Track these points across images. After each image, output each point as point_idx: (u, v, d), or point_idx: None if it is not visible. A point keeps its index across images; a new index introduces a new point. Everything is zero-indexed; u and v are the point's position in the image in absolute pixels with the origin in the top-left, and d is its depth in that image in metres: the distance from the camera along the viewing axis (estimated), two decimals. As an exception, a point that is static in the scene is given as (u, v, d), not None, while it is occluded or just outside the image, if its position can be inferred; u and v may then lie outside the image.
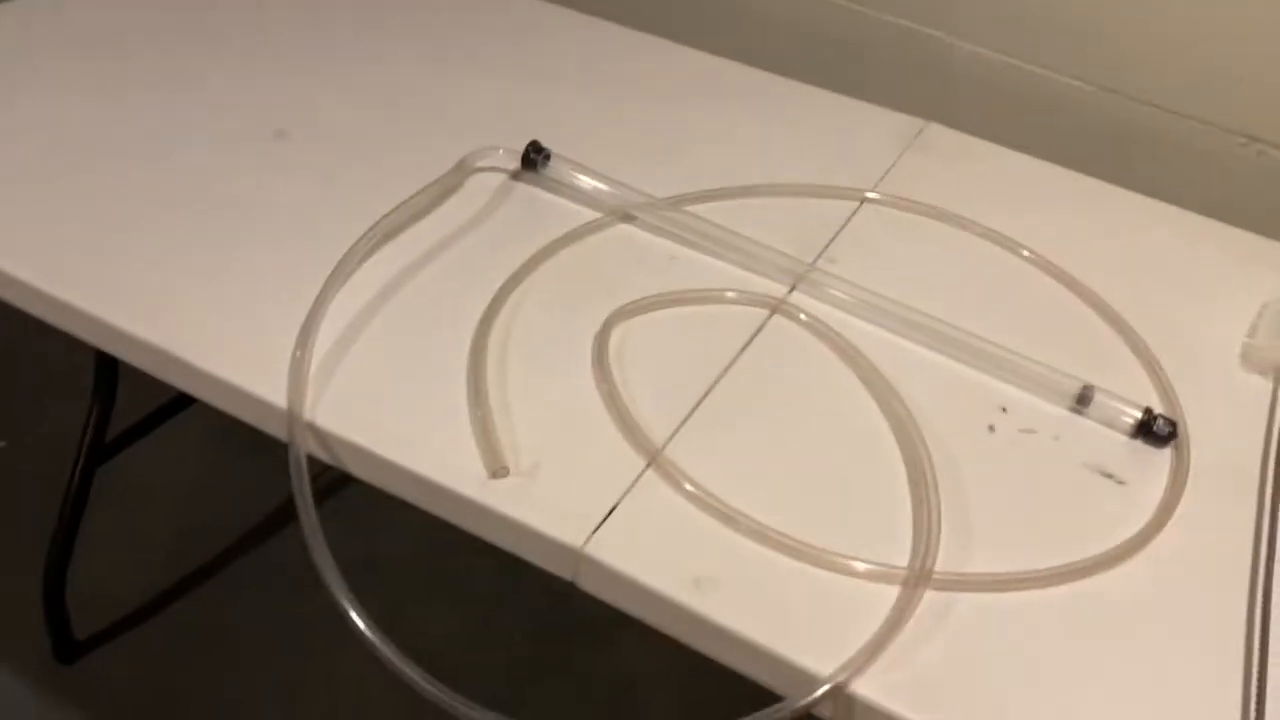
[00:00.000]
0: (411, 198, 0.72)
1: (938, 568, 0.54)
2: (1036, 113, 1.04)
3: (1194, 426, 0.65)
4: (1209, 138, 0.99)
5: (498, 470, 0.55)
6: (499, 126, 0.81)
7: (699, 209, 0.77)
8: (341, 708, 1.08)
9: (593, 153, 0.79)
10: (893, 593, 0.53)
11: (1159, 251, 0.80)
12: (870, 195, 0.80)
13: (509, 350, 0.64)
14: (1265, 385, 0.69)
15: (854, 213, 0.80)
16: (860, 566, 0.54)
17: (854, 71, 1.05)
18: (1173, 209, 0.84)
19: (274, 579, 1.17)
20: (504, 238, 0.73)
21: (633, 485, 0.56)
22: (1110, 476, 0.62)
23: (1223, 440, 0.65)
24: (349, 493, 1.21)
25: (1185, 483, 0.62)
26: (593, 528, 0.54)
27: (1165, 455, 0.64)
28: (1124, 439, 0.64)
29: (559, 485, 0.56)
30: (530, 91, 0.87)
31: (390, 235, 0.71)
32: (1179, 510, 0.60)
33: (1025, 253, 0.76)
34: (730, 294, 0.70)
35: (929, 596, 0.53)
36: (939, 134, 0.90)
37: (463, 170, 0.76)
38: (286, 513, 1.23)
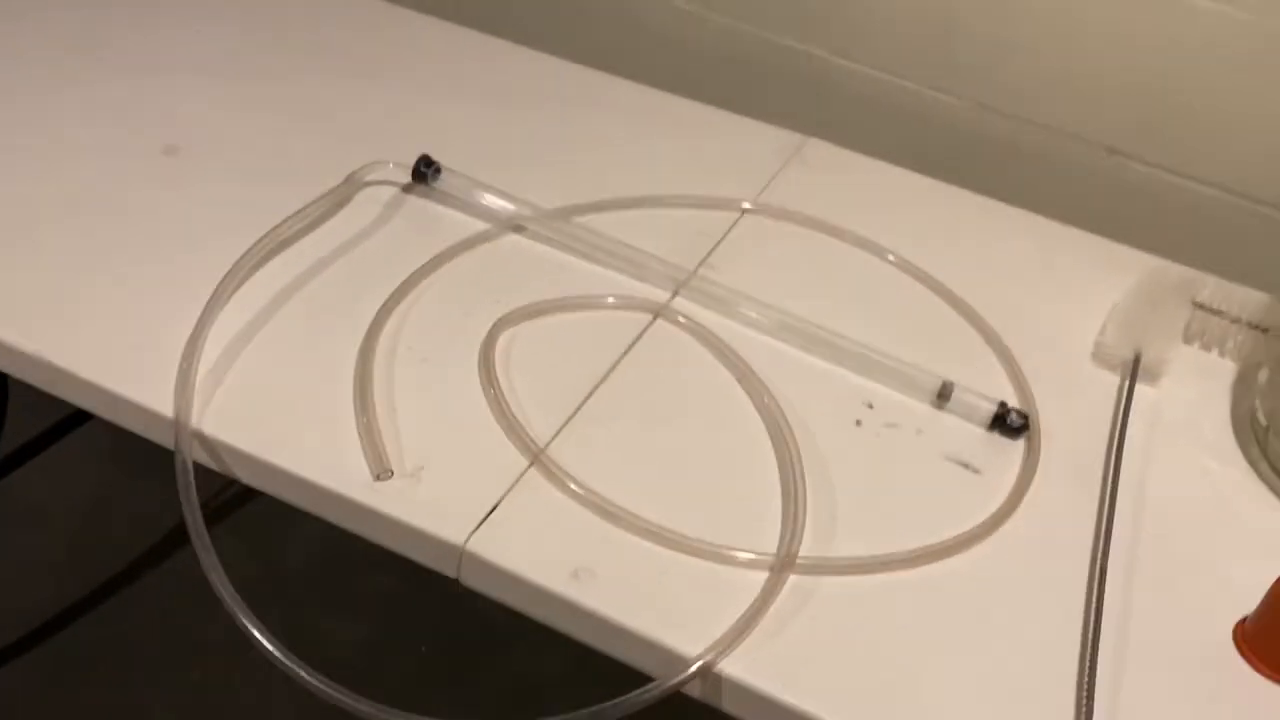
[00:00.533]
0: (301, 210, 0.74)
1: (802, 553, 0.58)
2: (911, 126, 1.10)
3: (1046, 419, 0.70)
4: (1074, 149, 1.05)
5: (381, 473, 0.57)
6: (389, 140, 0.83)
7: (586, 220, 0.79)
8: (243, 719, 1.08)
9: (483, 165, 0.81)
10: (760, 578, 0.56)
11: (1019, 256, 0.85)
12: (749, 206, 0.84)
13: (396, 356, 0.66)
14: (1114, 380, 0.74)
15: (734, 223, 0.83)
16: (730, 554, 0.57)
17: (737, 87, 1.09)
18: (1034, 217, 0.89)
19: (172, 595, 1.17)
20: (394, 249, 0.75)
21: (515, 484, 0.59)
22: (967, 466, 0.66)
23: (1073, 432, 0.70)
24: (249, 510, 1.21)
25: (1035, 471, 0.66)
26: (474, 525, 0.56)
27: (1019, 446, 0.68)
28: (981, 431, 0.69)
29: (442, 486, 0.58)
30: (421, 105, 0.89)
31: (280, 248, 0.72)
32: (1028, 497, 0.65)
33: (891, 258, 0.81)
34: (612, 299, 0.72)
35: (794, 580, 0.57)
36: (818, 148, 0.94)
37: (353, 184, 0.77)
38: (183, 531, 1.22)
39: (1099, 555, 0.61)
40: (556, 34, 1.06)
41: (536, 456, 0.60)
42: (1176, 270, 0.81)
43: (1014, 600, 0.59)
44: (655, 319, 0.72)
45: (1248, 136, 0.96)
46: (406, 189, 0.80)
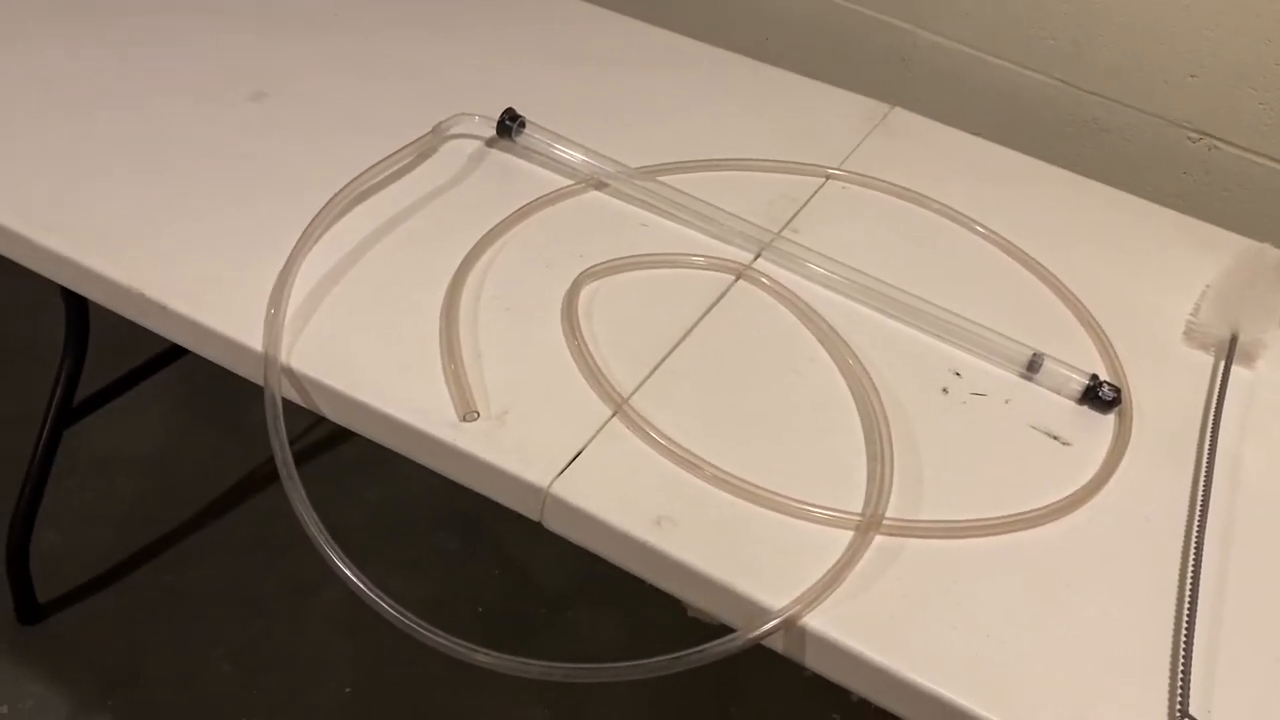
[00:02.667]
0: (387, 158, 0.74)
1: (889, 514, 0.57)
2: (994, 102, 1.07)
3: (1138, 395, 0.68)
4: (1161, 131, 1.03)
5: (468, 414, 0.57)
6: (476, 95, 0.83)
7: (669, 179, 0.79)
8: (302, 670, 1.09)
9: (566, 123, 0.81)
10: (845, 537, 0.55)
11: (1109, 233, 0.83)
12: (834, 172, 0.83)
13: (481, 304, 0.66)
14: (1206, 360, 0.72)
15: (819, 189, 0.82)
16: (815, 511, 0.56)
17: (823, 57, 1.08)
18: (1125, 195, 0.87)
19: (235, 547, 1.18)
20: (478, 200, 0.74)
21: (598, 432, 0.58)
22: (1056, 438, 0.65)
23: (1164, 409, 0.68)
24: (306, 470, 1.22)
25: (1127, 446, 0.64)
26: (559, 470, 0.56)
27: (1109, 421, 0.67)
28: (1071, 404, 0.67)
29: (527, 430, 0.58)
30: (506, 63, 0.89)
31: (366, 195, 0.73)
32: (1119, 471, 0.63)
33: (980, 229, 0.79)
34: (697, 258, 0.72)
35: (879, 541, 0.56)
36: (903, 118, 0.93)
37: (438, 135, 0.77)
38: (247, 484, 1.24)
39: (1194, 532, 0.59)
40: (640, 1, 1.05)
41: (620, 406, 0.59)
42: (1274, 252, 0.79)
43: (1105, 573, 0.57)
44: (738, 279, 0.72)
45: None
46: (490, 143, 0.80)
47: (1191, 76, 1.00)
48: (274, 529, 1.17)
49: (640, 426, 0.59)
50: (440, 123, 0.78)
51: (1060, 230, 0.82)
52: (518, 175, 0.78)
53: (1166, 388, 0.70)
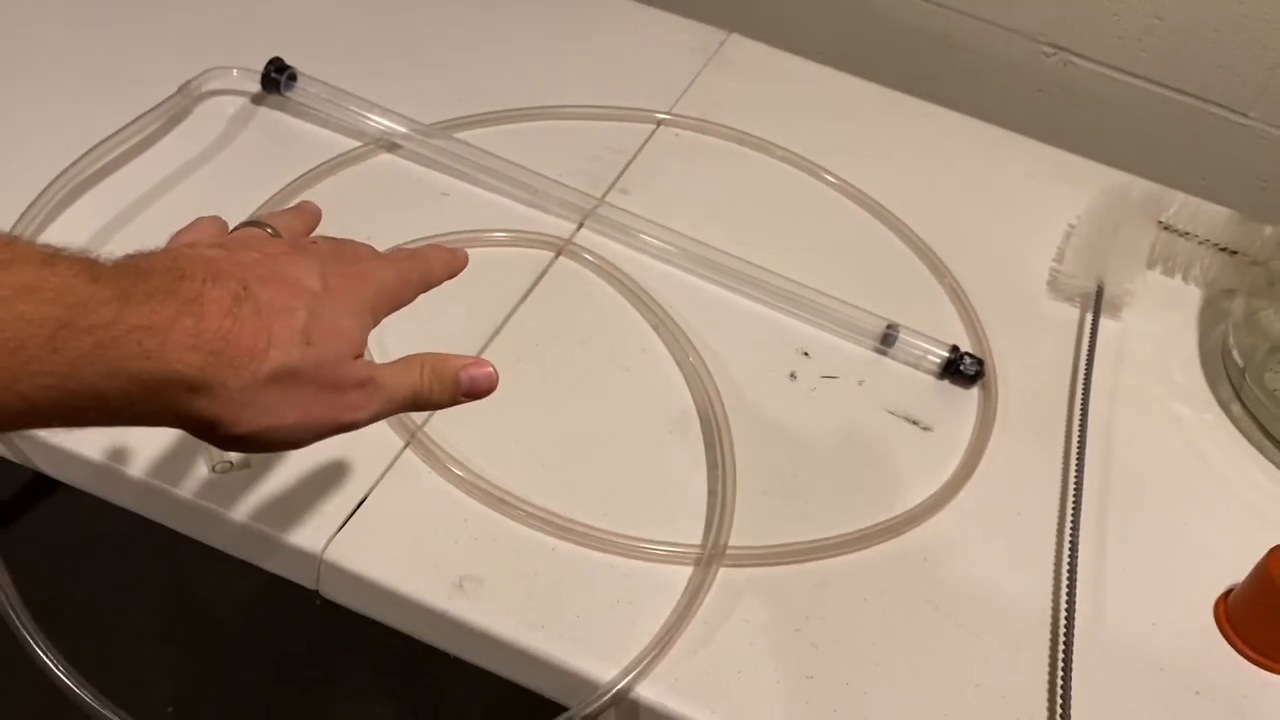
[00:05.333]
0: (125, 127, 0.61)
1: (733, 542, 0.49)
2: (841, 20, 0.99)
3: (1003, 363, 0.62)
4: (1015, 45, 0.96)
5: (218, 463, 0.46)
6: (236, 43, 0.69)
7: (474, 135, 0.68)
8: None
9: (350, 73, 0.68)
10: (683, 575, 0.47)
11: (970, 172, 0.76)
12: (665, 117, 0.73)
13: (242, 312, 0.54)
14: (1073, 314, 0.66)
15: (649, 137, 0.72)
16: (649, 548, 0.48)
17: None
18: (982, 125, 0.80)
19: None
20: (242, 171, 0.62)
21: (388, 470, 0.49)
22: (916, 423, 0.58)
23: (1032, 377, 0.62)
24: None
25: (993, 424, 0.58)
26: (336, 526, 0.46)
27: (974, 396, 0.60)
28: (932, 380, 0.60)
29: (298, 477, 0.48)
30: (271, 4, 0.75)
31: (105, 172, 0.60)
32: (987, 454, 0.57)
33: (830, 178, 0.71)
34: (504, 234, 0.62)
35: (725, 576, 0.48)
36: (741, 46, 0.83)
37: (187, 95, 0.64)
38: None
39: (1068, 527, 0.53)
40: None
41: (414, 434, 0.50)
42: (1140, 187, 0.73)
43: (976, 577, 0.51)
44: (557, 257, 0.62)
45: (1220, 34, 0.87)
46: (257, 99, 0.68)
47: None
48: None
49: (438, 458, 0.49)
50: (189, 81, 0.64)
51: (916, 172, 0.75)
52: (292, 139, 0.66)
53: (1034, 351, 0.63)
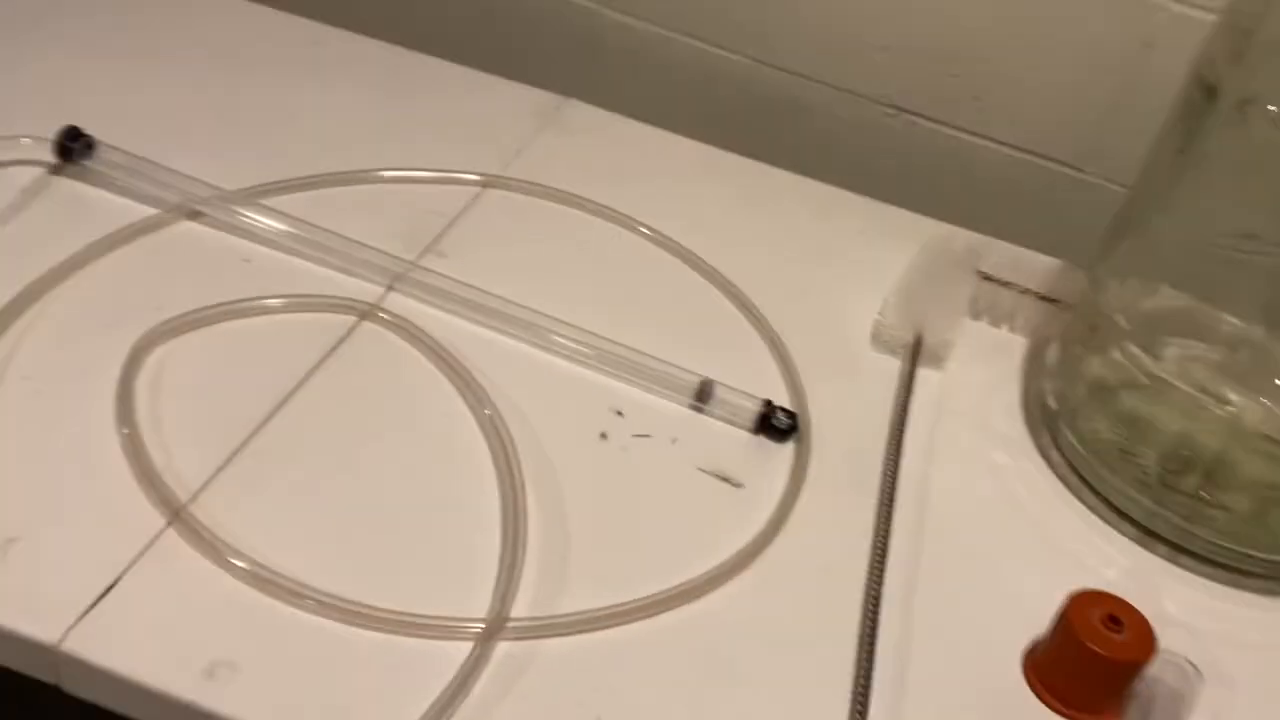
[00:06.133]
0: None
1: (520, 613, 0.47)
2: (690, 86, 1.00)
3: (820, 417, 0.61)
4: (857, 108, 0.97)
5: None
6: (33, 110, 0.67)
7: (285, 201, 0.66)
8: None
9: (157, 139, 0.66)
10: (464, 651, 0.45)
11: (799, 229, 0.76)
12: (485, 178, 0.72)
13: (5, 391, 0.51)
14: (895, 365, 0.66)
15: (474, 199, 0.71)
16: (426, 623, 0.45)
17: (494, 45, 0.97)
18: (811, 183, 0.81)
19: None
20: (27, 241, 0.60)
21: (144, 551, 0.46)
22: (727, 480, 0.57)
23: (850, 430, 0.61)
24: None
25: (804, 479, 0.57)
26: (78, 615, 0.43)
27: (789, 450, 0.59)
28: (747, 436, 0.59)
29: (41, 562, 0.44)
30: (75, 67, 0.73)
31: None
32: (797, 510, 0.56)
33: (646, 231, 0.70)
34: (299, 300, 0.60)
35: (506, 650, 0.46)
36: (579, 111, 0.83)
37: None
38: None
39: (873, 578, 0.52)
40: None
41: (177, 513, 0.47)
42: (962, 237, 0.74)
43: (777, 639, 0.49)
44: (360, 321, 0.60)
45: (1038, 90, 0.90)
46: (56, 170, 0.65)
47: (884, 50, 0.95)
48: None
49: (203, 538, 0.46)
50: (-33, 152, 0.62)
51: (745, 230, 0.75)
52: (90, 210, 0.63)
53: (852, 403, 0.63)
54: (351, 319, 0.60)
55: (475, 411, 0.56)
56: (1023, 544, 0.57)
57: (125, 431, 0.49)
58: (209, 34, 0.80)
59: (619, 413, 0.59)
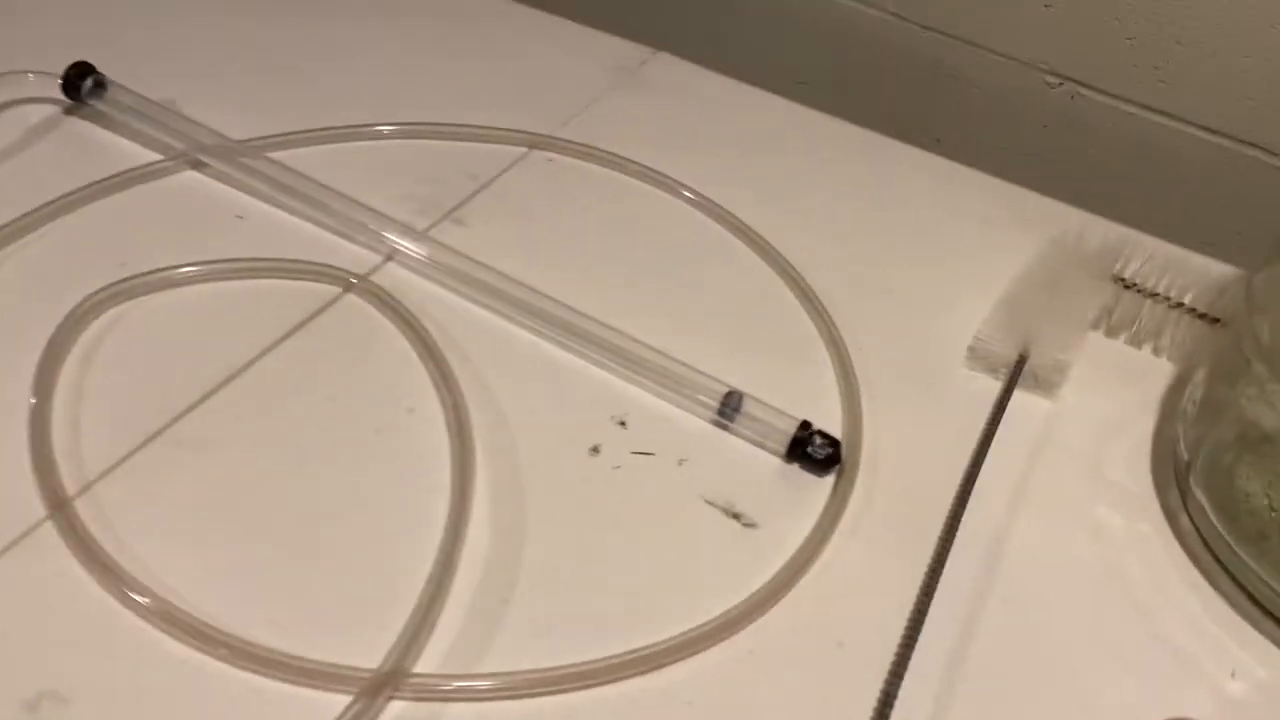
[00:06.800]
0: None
1: (428, 667, 0.38)
2: (809, 41, 0.88)
3: (877, 445, 0.49)
4: (1011, 75, 0.83)
5: None
6: (43, 43, 0.63)
7: (299, 154, 0.59)
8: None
9: (177, 81, 0.61)
10: (341, 705, 0.37)
11: (900, 210, 0.64)
12: (540, 139, 0.63)
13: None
14: (991, 390, 0.53)
15: (514, 163, 0.63)
16: (300, 668, 0.37)
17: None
18: (937, 159, 0.68)
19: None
20: (10, 188, 0.55)
21: (10, 547, 0.40)
22: (737, 517, 0.46)
23: (912, 463, 0.49)
24: None
25: (836, 525, 0.46)
26: (-95, 618, 0.37)
27: (826, 486, 0.48)
28: (778, 464, 0.48)
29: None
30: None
31: None
32: (820, 562, 0.44)
33: (704, 204, 0.60)
34: (255, 264, 0.52)
35: (399, 710, 0.37)
36: (666, 65, 0.73)
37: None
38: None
39: (898, 664, 0.41)
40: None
41: (60, 505, 0.41)
42: (1101, 231, 0.60)
43: (753, 741, 0.39)
44: (344, 293, 0.52)
45: (1235, 59, 0.73)
46: (70, 110, 0.61)
47: (1046, 6, 0.80)
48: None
49: (79, 537, 0.40)
50: (-32, 85, 0.58)
51: (829, 207, 0.63)
52: (89, 153, 0.58)
53: (924, 434, 0.51)
54: (335, 290, 0.52)
55: (445, 410, 0.47)
56: (1123, 634, 0.44)
57: (33, 401, 0.44)
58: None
59: (622, 422, 0.49)
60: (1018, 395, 0.53)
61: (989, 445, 0.49)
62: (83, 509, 0.41)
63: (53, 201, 0.54)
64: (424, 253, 0.54)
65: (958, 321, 0.56)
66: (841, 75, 0.88)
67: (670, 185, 0.62)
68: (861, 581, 0.44)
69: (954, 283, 0.59)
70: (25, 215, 0.53)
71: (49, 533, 0.40)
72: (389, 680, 0.37)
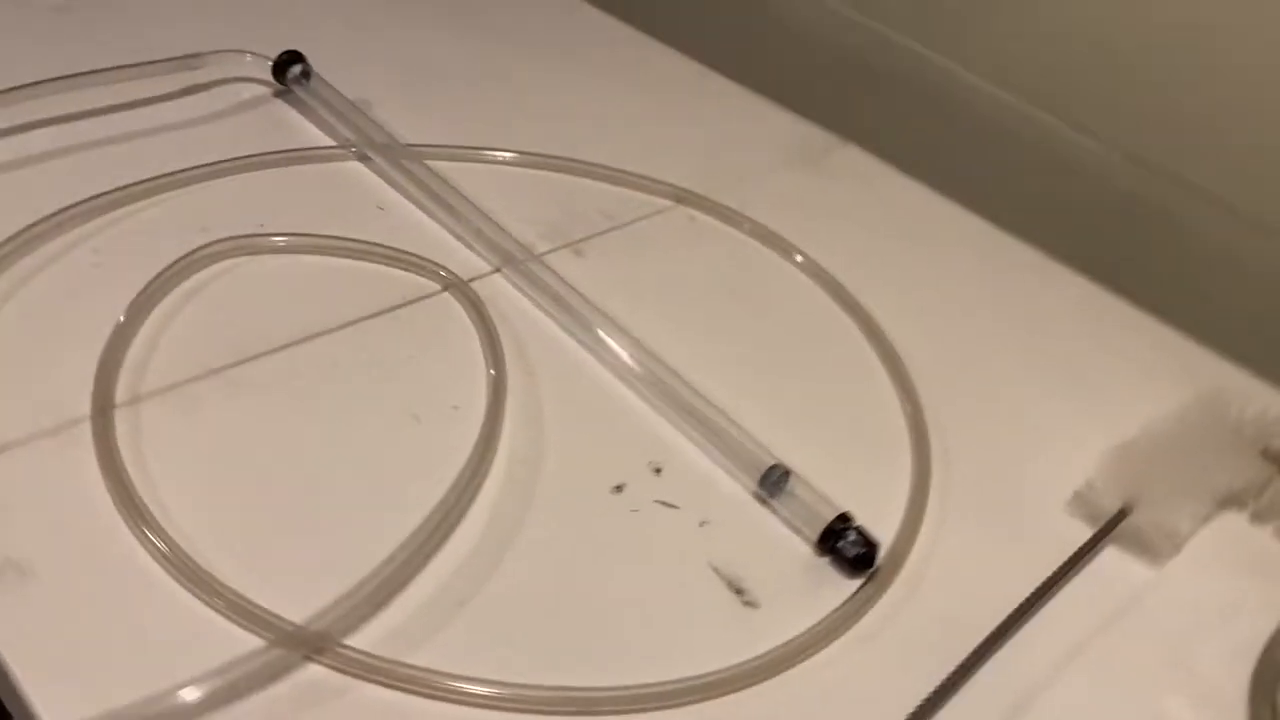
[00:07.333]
0: (122, 68, 0.61)
1: (360, 643, 0.37)
2: (1016, 163, 0.83)
3: (934, 560, 0.45)
4: (1231, 227, 0.75)
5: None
6: (272, 31, 0.69)
7: (459, 167, 0.62)
8: None
9: (381, 84, 0.67)
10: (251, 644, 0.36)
11: (1057, 342, 0.59)
12: (681, 196, 0.63)
13: (71, 259, 0.51)
14: (1083, 537, 0.47)
15: (654, 212, 0.63)
16: (236, 601, 0.37)
17: (796, 74, 0.87)
18: (1095, 288, 0.63)
19: None
20: (198, 147, 0.60)
21: (42, 437, 0.43)
22: (740, 592, 0.42)
23: (968, 590, 0.44)
24: None
25: (847, 628, 0.41)
26: (-63, 465, 0.40)
27: (851, 589, 0.43)
28: (808, 553, 0.45)
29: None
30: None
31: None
32: (807, 665, 0.40)
33: (833, 287, 0.57)
34: (365, 246, 0.55)
35: (312, 674, 0.36)
36: (849, 156, 0.72)
37: (189, 65, 0.64)
38: None
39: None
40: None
41: (103, 409, 0.43)
42: (1265, 400, 0.52)
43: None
44: (441, 292, 0.54)
45: None
46: (278, 94, 0.67)
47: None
48: None
49: (105, 444, 0.42)
50: (189, 55, 0.65)
51: (963, 322, 0.59)
52: (276, 131, 0.63)
53: (987, 564, 0.45)
54: (434, 286, 0.54)
55: (489, 413, 0.47)
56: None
57: (119, 320, 0.47)
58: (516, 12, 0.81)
59: (658, 470, 0.47)
60: (1116, 555, 0.47)
61: (1055, 588, 0.43)
62: (122, 418, 0.43)
63: (224, 161, 0.59)
64: (528, 269, 0.55)
65: (1075, 462, 0.50)
66: (1046, 205, 0.83)
67: (806, 264, 0.60)
68: (852, 694, 0.39)
69: (1084, 421, 0.53)
70: (197, 168, 0.58)
71: (84, 433, 0.43)
72: (310, 640, 0.36)
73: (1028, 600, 0.43)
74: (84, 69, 0.60)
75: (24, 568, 0.37)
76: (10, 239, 0.50)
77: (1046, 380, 0.56)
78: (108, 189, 0.54)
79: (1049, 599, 0.43)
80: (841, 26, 0.90)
